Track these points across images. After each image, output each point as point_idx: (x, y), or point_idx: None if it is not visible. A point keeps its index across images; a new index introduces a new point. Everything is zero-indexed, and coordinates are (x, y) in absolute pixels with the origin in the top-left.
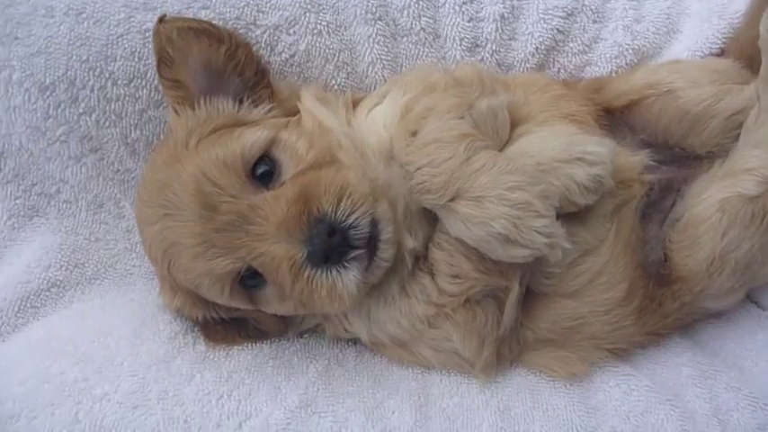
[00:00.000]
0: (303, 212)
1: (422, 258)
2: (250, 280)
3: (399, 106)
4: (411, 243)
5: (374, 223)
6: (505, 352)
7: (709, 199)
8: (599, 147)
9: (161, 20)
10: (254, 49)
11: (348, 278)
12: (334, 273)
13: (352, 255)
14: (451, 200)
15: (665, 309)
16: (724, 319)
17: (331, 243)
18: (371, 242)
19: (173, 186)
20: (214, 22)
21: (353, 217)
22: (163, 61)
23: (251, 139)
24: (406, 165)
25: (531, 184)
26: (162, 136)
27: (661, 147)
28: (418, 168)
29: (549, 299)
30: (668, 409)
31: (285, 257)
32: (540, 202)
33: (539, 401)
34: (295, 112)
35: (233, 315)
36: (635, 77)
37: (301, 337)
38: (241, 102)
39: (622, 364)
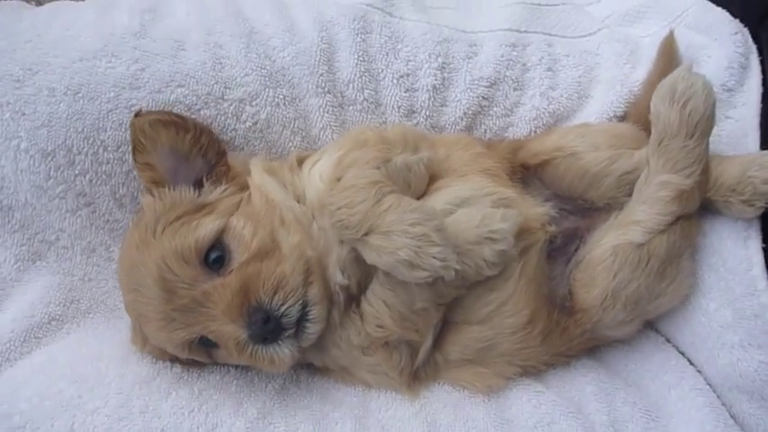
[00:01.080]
0: (244, 303)
1: (355, 303)
2: (206, 342)
3: (333, 160)
4: (341, 280)
5: (305, 305)
6: (422, 375)
7: (605, 244)
8: (503, 223)
9: (136, 114)
10: (221, 119)
11: (283, 352)
12: (271, 349)
13: (285, 335)
14: (365, 234)
15: (569, 334)
16: (627, 343)
17: (266, 328)
18: (301, 322)
19: (140, 269)
20: (188, 97)
21: (285, 306)
22: (136, 148)
23: (203, 231)
24: (328, 205)
25: (427, 220)
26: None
27: (567, 199)
28: (338, 208)
29: (458, 327)
30: (571, 420)
31: (231, 337)
32: (435, 234)
33: (461, 414)
34: (248, 185)
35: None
36: (548, 140)
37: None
38: (201, 184)
39: (534, 382)
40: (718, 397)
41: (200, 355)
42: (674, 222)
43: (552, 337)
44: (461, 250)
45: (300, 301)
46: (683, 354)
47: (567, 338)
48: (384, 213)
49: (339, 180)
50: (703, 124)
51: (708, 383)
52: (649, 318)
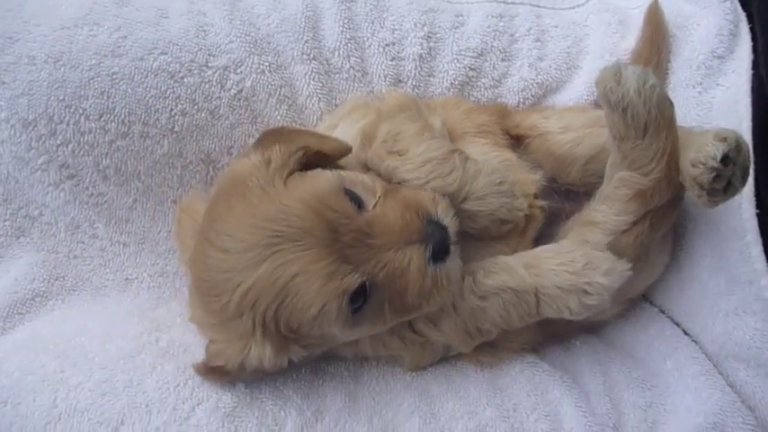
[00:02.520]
0: (416, 218)
1: None
2: (354, 303)
3: (357, 129)
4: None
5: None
6: None
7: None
8: (605, 278)
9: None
10: (205, 87)
11: (455, 265)
12: (445, 265)
13: (452, 247)
14: (461, 202)
15: (559, 321)
16: (621, 315)
17: (442, 241)
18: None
19: (279, 222)
20: (171, 64)
21: (449, 217)
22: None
23: (332, 174)
24: (412, 179)
25: (507, 176)
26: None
27: (547, 179)
28: (428, 182)
29: None
30: (565, 389)
31: (412, 260)
32: (513, 186)
33: (453, 384)
34: None
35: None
36: (530, 117)
37: None
38: None
39: (527, 354)
40: (714, 366)
41: (342, 324)
42: (641, 219)
43: (547, 323)
44: (549, 292)
45: (454, 212)
46: (677, 324)
47: (560, 325)
48: (473, 179)
49: (401, 153)
50: (653, 123)
51: (704, 352)
52: (629, 298)
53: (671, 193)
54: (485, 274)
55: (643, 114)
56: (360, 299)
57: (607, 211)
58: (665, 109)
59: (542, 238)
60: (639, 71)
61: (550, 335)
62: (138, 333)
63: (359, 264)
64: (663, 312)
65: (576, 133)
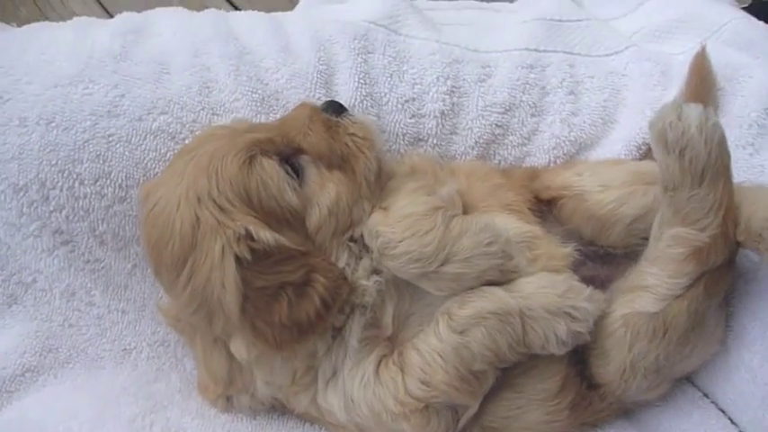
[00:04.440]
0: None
1: (396, 350)
2: (294, 170)
3: None
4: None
5: None
6: None
7: (614, 313)
8: (588, 303)
9: None
10: None
11: (363, 117)
12: (352, 116)
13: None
14: (441, 264)
15: (594, 407)
16: (661, 399)
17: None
18: None
19: (188, 146)
20: (172, 125)
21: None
22: None
23: None
24: (386, 240)
25: (498, 235)
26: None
27: (582, 243)
28: (402, 240)
29: (490, 390)
30: None
31: (312, 115)
32: (508, 246)
33: None
34: None
35: (294, 248)
36: (561, 175)
37: (254, 419)
38: None
39: None
40: None
41: (292, 191)
42: (695, 283)
43: (579, 410)
44: (534, 315)
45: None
46: (723, 411)
47: (594, 411)
48: (457, 239)
49: (386, 209)
50: (711, 168)
51: None
52: (678, 377)
53: (727, 253)
54: (460, 306)
55: (703, 156)
56: (294, 173)
57: (660, 274)
58: (724, 152)
59: None
60: (702, 108)
61: (581, 423)
62: (132, 416)
63: (264, 132)
64: (706, 397)
65: (618, 191)
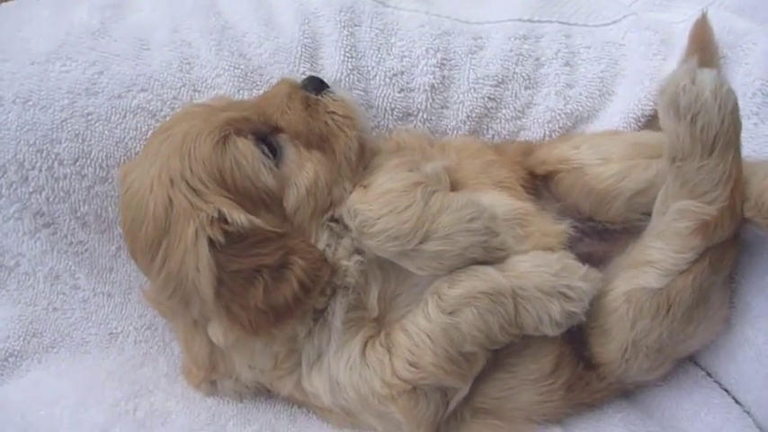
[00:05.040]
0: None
1: (383, 331)
2: (271, 150)
3: None
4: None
5: None
6: (442, 429)
7: (617, 289)
8: (583, 282)
9: None
10: None
11: (344, 93)
12: (332, 92)
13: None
14: (421, 242)
15: (592, 387)
16: (662, 378)
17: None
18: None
19: (164, 125)
20: (152, 102)
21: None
22: None
23: None
24: (364, 218)
25: (482, 211)
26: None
27: (579, 219)
28: (379, 217)
29: (482, 371)
30: None
31: (289, 91)
32: (493, 222)
33: None
34: None
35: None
36: (556, 149)
37: (240, 402)
38: None
39: (552, 425)
40: None
41: (269, 172)
42: (699, 258)
43: (575, 390)
44: (527, 295)
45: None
46: (727, 391)
47: (591, 391)
48: (437, 216)
49: (366, 186)
50: (723, 137)
51: (758, 427)
52: (681, 357)
53: (733, 228)
54: (450, 286)
55: (716, 123)
56: (271, 152)
57: (665, 248)
58: (737, 120)
59: None
60: (716, 73)
61: (578, 403)
62: (115, 400)
63: (241, 111)
64: (709, 376)
65: (618, 165)
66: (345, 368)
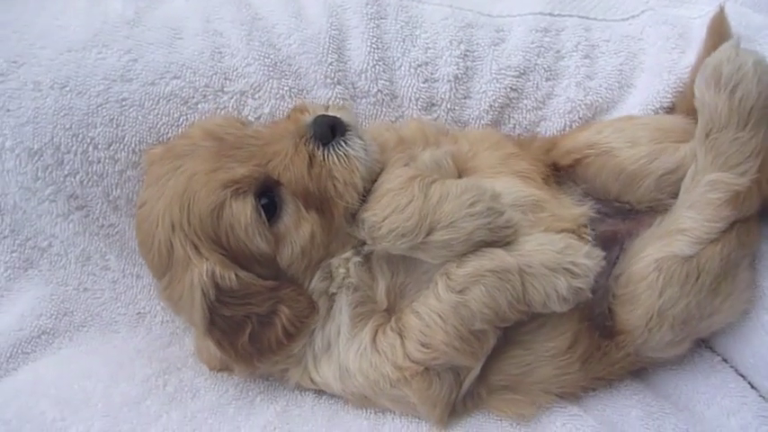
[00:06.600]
0: (301, 118)
1: (394, 317)
2: (268, 211)
3: None
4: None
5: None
6: (459, 408)
7: (647, 258)
8: (587, 259)
9: None
10: (221, 113)
11: (355, 144)
12: (341, 145)
13: (348, 132)
14: (428, 234)
15: (610, 358)
16: (677, 362)
17: (330, 121)
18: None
19: (179, 149)
20: (185, 89)
21: (343, 110)
22: None
23: None
24: (372, 222)
25: (482, 193)
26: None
27: (604, 201)
28: (384, 219)
29: (498, 349)
30: None
31: (296, 137)
32: (496, 202)
33: None
34: None
35: (262, 281)
36: (581, 136)
37: (267, 380)
38: None
39: (570, 405)
40: None
41: (264, 236)
42: (728, 229)
43: (592, 362)
44: (534, 271)
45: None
46: (743, 376)
47: (608, 362)
48: (438, 206)
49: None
50: (758, 111)
51: None
52: (701, 336)
53: (759, 202)
54: (458, 266)
55: (753, 96)
56: (272, 207)
57: (697, 217)
58: None
59: None
60: (757, 52)
61: (594, 377)
62: (145, 376)
63: (245, 159)
64: (725, 361)
65: (648, 147)
66: (356, 355)
